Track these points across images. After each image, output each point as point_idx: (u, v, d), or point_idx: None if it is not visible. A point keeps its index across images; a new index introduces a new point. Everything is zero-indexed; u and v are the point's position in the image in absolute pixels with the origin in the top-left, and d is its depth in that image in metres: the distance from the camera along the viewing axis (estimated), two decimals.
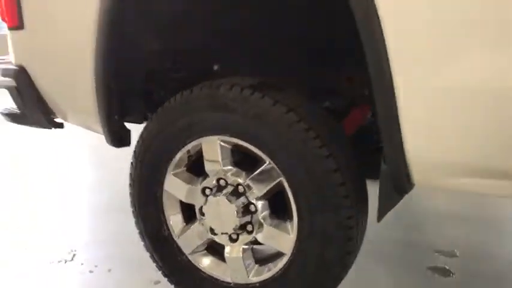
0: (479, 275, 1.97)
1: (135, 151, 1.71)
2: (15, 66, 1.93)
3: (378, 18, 1.20)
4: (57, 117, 2.03)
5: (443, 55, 1.17)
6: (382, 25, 1.20)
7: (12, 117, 2.06)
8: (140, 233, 1.78)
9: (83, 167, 3.80)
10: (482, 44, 1.14)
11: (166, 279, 1.77)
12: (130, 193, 1.75)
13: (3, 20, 1.90)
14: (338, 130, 1.53)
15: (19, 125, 2.12)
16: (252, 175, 1.50)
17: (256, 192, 1.52)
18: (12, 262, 2.15)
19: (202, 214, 1.60)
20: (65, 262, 2.13)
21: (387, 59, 1.21)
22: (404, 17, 1.19)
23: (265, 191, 1.50)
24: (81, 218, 2.70)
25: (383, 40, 1.21)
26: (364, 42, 1.24)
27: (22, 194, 3.08)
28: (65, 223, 2.60)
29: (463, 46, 1.15)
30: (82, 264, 2.12)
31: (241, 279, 1.62)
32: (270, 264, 1.58)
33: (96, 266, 2.09)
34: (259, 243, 1.59)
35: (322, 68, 1.83)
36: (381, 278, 2.03)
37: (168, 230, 1.71)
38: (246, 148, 1.50)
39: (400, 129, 1.26)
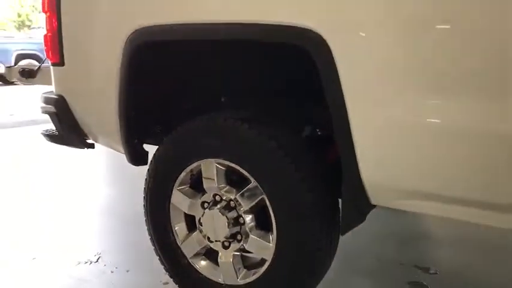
0: None
1: (148, 169, 2.04)
2: (56, 95, 2.31)
3: (336, 69, 1.49)
4: (89, 139, 2.39)
5: (386, 97, 1.45)
6: (339, 74, 1.49)
7: (52, 137, 2.45)
8: (151, 239, 2.11)
9: (108, 182, 4.18)
10: (415, 88, 1.41)
11: (172, 279, 2.08)
12: (144, 205, 2.09)
13: (48, 57, 2.29)
14: (313, 156, 1.81)
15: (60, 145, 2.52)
16: (240, 192, 1.81)
17: (244, 207, 1.82)
18: (46, 262, 2.51)
19: (201, 224, 1.92)
20: (90, 263, 2.48)
21: (343, 100, 1.50)
22: (355, 67, 1.48)
23: (250, 206, 1.80)
24: (107, 226, 3.05)
25: (340, 85, 1.50)
26: (325, 86, 1.53)
27: (58, 204, 3.47)
28: (92, 230, 2.96)
29: (399, 90, 1.43)
30: (105, 265, 2.46)
31: (231, 281, 1.91)
32: (256, 270, 1.87)
33: (116, 268, 2.43)
34: (248, 251, 1.88)
35: (304, 103, 2.13)
36: None
37: (174, 237, 2.02)
38: (236, 169, 1.81)
39: (355, 157, 1.54)
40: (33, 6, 33.61)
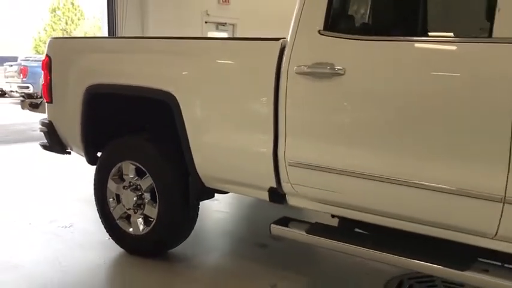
0: None
1: (96, 166, 3.44)
2: (47, 121, 3.74)
3: (181, 113, 2.86)
4: (67, 148, 3.80)
5: (204, 130, 2.83)
6: (183, 116, 2.87)
7: (45, 147, 3.86)
8: (98, 211, 3.48)
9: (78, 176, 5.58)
10: (215, 126, 2.78)
11: (108, 234, 3.45)
12: (94, 189, 3.47)
13: (45, 98, 3.73)
14: (177, 160, 3.17)
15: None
16: (141, 179, 3.18)
17: (144, 189, 3.19)
18: (37, 225, 3.90)
19: (122, 199, 3.29)
20: (64, 227, 3.87)
21: (185, 130, 2.87)
22: (189, 113, 2.85)
23: (146, 188, 3.17)
24: (76, 203, 4.42)
25: (183, 122, 2.87)
26: (177, 122, 2.91)
27: (46, 191, 4.86)
28: (68, 207, 4.36)
29: (209, 127, 2.81)
30: (71, 226, 3.85)
31: (137, 232, 3.26)
32: (149, 225, 3.22)
33: (72, 226, 3.82)
34: (146, 214, 3.24)
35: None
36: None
37: (108, 207, 3.39)
38: (140, 167, 3.18)
39: (193, 161, 2.90)
40: (65, 30, 35.91)
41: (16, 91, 17.70)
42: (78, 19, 36.77)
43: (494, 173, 2.00)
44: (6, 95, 18.74)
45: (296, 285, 2.97)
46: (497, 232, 2.05)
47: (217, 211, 4.42)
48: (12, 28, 42.15)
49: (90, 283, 2.99)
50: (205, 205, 4.09)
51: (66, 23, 36.19)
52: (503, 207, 2.00)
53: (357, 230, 2.64)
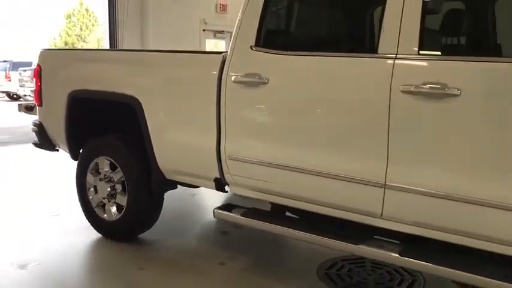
0: None
1: (78, 161, 3.95)
2: (38, 122, 4.27)
3: (144, 115, 3.36)
4: (55, 146, 4.33)
5: (163, 129, 3.32)
6: (146, 117, 3.36)
7: (36, 145, 4.39)
8: (79, 199, 3.99)
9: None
10: (172, 126, 3.28)
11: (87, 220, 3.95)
12: (75, 182, 3.98)
13: (36, 101, 4.26)
14: (143, 156, 3.67)
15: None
16: (114, 173, 3.69)
17: (116, 181, 3.69)
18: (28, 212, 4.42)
19: (98, 189, 3.80)
20: (53, 216, 4.39)
21: (148, 129, 3.37)
22: (151, 114, 3.35)
23: (117, 179, 3.67)
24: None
25: (146, 123, 3.37)
26: (140, 123, 3.41)
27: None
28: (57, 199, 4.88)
29: (167, 127, 3.30)
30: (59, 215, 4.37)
31: (111, 218, 3.77)
32: (121, 212, 3.73)
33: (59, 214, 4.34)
34: (118, 203, 3.74)
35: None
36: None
37: (87, 196, 3.90)
38: (113, 162, 3.69)
39: (155, 156, 3.40)
40: (79, 35, 36.82)
41: (30, 95, 18.50)
42: (93, 25, 37.65)
43: (377, 164, 2.46)
44: (21, 99, 19.56)
45: (240, 264, 3.43)
46: (382, 212, 2.50)
47: (193, 203, 4.92)
48: (28, 34, 43.38)
49: (70, 263, 3.49)
50: (183, 197, 4.61)
51: (81, 29, 37.07)
52: (384, 192, 2.45)
53: (288, 214, 3.12)
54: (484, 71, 2.22)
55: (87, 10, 37.82)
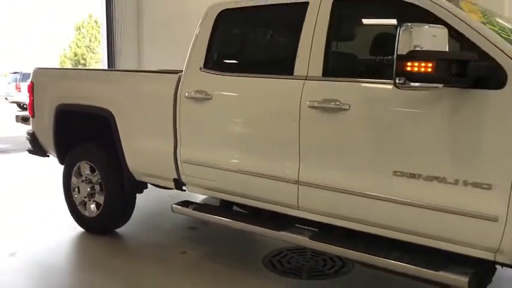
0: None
1: (64, 165, 4.55)
2: (31, 131, 4.88)
3: (117, 126, 3.96)
4: (46, 152, 4.93)
5: (132, 137, 3.91)
6: (118, 127, 3.96)
7: (30, 151, 5.00)
8: (65, 199, 4.59)
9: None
10: (139, 134, 3.87)
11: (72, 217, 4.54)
12: (62, 183, 4.58)
13: (29, 113, 4.88)
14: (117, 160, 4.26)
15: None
16: (93, 175, 4.28)
17: (95, 182, 4.29)
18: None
19: (80, 190, 4.39)
20: (43, 213, 4.99)
21: (120, 138, 3.96)
22: (122, 125, 3.94)
23: (96, 181, 4.26)
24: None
25: (118, 132, 3.96)
26: (113, 132, 4.00)
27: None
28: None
29: (132, 135, 3.89)
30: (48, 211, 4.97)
31: (91, 215, 4.35)
32: (99, 210, 4.31)
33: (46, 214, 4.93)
34: (97, 201, 4.32)
35: None
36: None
37: (72, 196, 4.50)
38: (92, 165, 4.28)
39: (126, 159, 3.99)
40: (88, 47, 37.74)
41: None
42: (102, 36, 38.41)
43: (292, 165, 3.02)
44: None
45: (199, 253, 4.00)
46: (298, 204, 3.06)
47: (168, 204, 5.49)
48: (39, 45, 44.52)
49: (56, 253, 4.07)
50: (159, 198, 5.19)
51: (90, 40, 38.04)
52: (298, 187, 3.01)
53: (236, 209, 3.68)
54: (365, 89, 2.79)
55: (96, 22, 38.80)
